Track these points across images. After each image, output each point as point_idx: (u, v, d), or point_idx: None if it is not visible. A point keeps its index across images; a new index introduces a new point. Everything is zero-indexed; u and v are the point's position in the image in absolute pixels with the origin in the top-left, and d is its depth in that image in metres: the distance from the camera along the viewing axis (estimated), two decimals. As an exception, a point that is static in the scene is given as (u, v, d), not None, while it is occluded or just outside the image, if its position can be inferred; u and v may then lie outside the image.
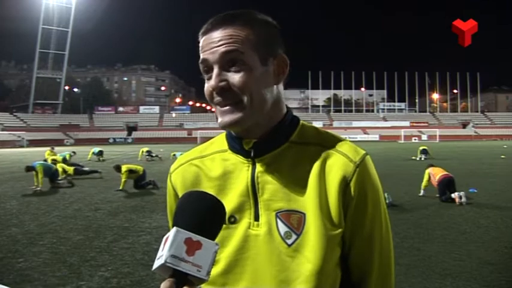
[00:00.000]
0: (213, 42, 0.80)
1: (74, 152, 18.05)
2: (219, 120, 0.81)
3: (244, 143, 0.85)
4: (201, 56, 0.82)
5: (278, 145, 0.85)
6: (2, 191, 10.22)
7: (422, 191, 8.38)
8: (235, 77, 0.79)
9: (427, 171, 8.42)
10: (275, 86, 0.85)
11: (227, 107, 0.80)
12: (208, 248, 0.61)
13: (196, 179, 0.89)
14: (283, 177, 0.83)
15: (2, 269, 4.26)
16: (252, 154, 0.84)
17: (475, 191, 8.77)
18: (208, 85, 0.81)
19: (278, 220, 0.81)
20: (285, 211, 0.82)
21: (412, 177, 9.10)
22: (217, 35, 0.80)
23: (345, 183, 0.81)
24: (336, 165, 0.83)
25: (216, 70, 0.79)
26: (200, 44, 0.83)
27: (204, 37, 0.82)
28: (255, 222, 0.83)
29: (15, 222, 6.58)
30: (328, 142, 0.86)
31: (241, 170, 0.86)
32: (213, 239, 0.63)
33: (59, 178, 11.16)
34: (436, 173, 8.21)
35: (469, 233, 5.53)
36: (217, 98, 0.81)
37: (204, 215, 0.65)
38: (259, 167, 0.84)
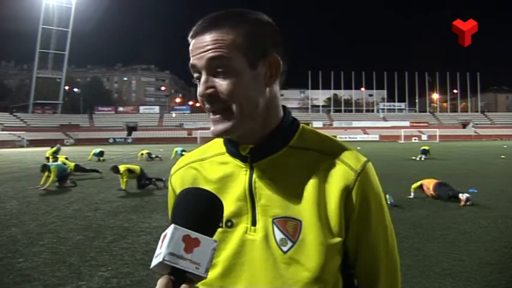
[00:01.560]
0: (200, 47, 0.77)
1: (59, 147, 18.42)
2: (211, 128, 0.80)
3: (241, 149, 0.83)
4: (190, 60, 0.80)
5: (276, 150, 0.83)
6: (2, 191, 10.21)
7: (412, 194, 8.34)
8: (222, 84, 0.76)
9: (421, 181, 8.50)
10: (268, 89, 0.81)
11: (217, 115, 0.78)
12: (207, 245, 0.61)
13: (194, 182, 0.89)
14: (280, 183, 0.82)
15: (2, 269, 4.26)
16: (248, 160, 0.83)
17: (475, 191, 8.76)
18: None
19: (274, 226, 0.80)
20: (281, 218, 0.80)
21: (412, 177, 9.10)
22: (204, 39, 0.77)
23: (346, 192, 0.80)
24: (336, 173, 0.81)
25: (203, 77, 0.77)
26: (190, 48, 0.80)
27: (193, 41, 0.79)
28: (252, 227, 0.82)
29: (15, 222, 6.57)
30: (329, 148, 0.84)
31: (239, 174, 0.84)
32: (211, 236, 0.63)
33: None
34: (429, 183, 8.30)
35: (469, 233, 5.53)
36: (206, 105, 0.79)
37: (202, 211, 0.64)
38: (256, 172, 0.83)
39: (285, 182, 0.82)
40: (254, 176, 0.83)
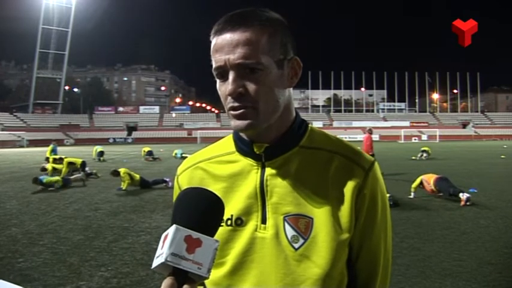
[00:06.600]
0: (229, 45, 0.76)
1: (55, 145, 18.44)
2: (233, 123, 0.80)
3: (256, 147, 0.84)
4: (215, 57, 0.78)
5: (289, 149, 0.85)
6: (2, 191, 10.21)
7: (412, 194, 8.36)
8: (252, 83, 0.77)
9: (420, 177, 8.49)
10: (287, 90, 0.85)
11: (241, 111, 0.78)
12: (209, 245, 0.61)
13: (202, 182, 0.89)
14: (292, 181, 0.83)
15: (2, 269, 4.26)
16: (263, 158, 0.84)
17: (475, 191, 8.77)
18: (223, 89, 0.79)
19: (286, 224, 0.81)
20: (293, 215, 0.81)
21: (412, 178, 9.09)
22: (234, 36, 0.76)
23: (357, 189, 0.82)
24: (348, 171, 0.83)
25: (232, 75, 0.77)
26: (213, 44, 0.79)
27: (219, 37, 0.78)
28: (262, 225, 0.82)
29: (15, 222, 6.57)
30: (338, 148, 0.86)
31: (250, 173, 0.85)
32: (213, 235, 0.63)
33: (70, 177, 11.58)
34: (429, 178, 8.28)
35: (469, 233, 5.53)
36: (232, 104, 0.79)
37: (203, 211, 0.64)
38: (268, 170, 0.84)
39: (297, 180, 0.83)
40: (266, 174, 0.84)
